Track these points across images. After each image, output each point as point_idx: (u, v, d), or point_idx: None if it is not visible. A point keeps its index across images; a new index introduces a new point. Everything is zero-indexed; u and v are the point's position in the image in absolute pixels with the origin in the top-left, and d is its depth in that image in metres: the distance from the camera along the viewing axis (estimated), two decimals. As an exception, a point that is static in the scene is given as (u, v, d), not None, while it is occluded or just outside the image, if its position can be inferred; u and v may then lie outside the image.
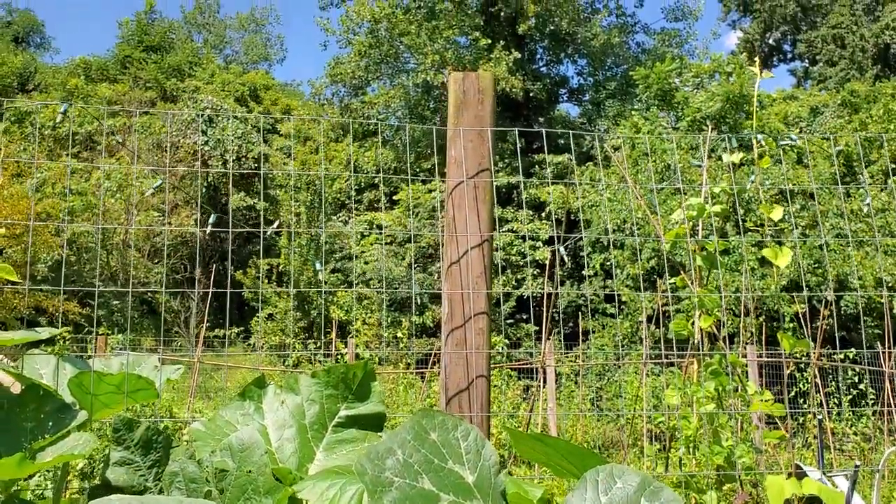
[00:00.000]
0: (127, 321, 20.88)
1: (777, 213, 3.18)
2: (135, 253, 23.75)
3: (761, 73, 3.67)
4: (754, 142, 3.81)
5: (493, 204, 2.46)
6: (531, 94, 22.94)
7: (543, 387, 9.34)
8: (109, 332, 16.37)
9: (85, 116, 25.20)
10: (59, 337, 10.87)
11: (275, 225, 15.10)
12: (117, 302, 21.85)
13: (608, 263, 17.16)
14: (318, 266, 20.87)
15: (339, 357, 12.64)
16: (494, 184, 2.49)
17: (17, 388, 2.09)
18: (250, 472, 1.71)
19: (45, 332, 1.98)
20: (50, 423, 1.95)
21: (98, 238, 21.93)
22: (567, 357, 13.16)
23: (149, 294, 22.88)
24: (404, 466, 1.28)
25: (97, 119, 24.08)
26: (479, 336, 2.32)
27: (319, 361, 14.40)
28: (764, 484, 2.64)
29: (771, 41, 36.66)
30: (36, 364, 2.35)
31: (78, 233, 21.45)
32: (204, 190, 26.90)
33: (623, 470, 1.44)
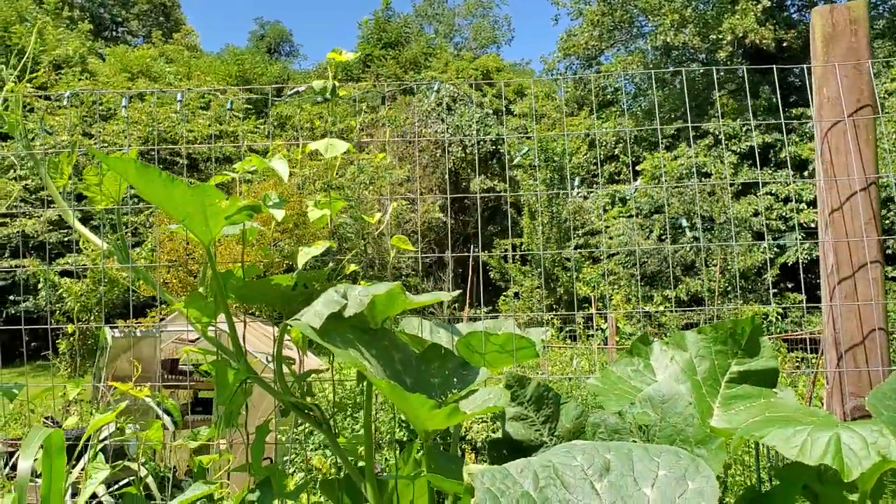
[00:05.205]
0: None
1: None
2: (388, 240, 25.19)
3: None
4: None
5: (877, 143, 2.26)
6: (784, 45, 21.18)
7: (820, 358, 8.67)
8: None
9: (337, 115, 27.07)
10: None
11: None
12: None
13: (887, 221, 15.54)
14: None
15: (600, 331, 12.57)
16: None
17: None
18: (675, 423, 1.70)
19: (446, 295, 2.11)
20: (455, 380, 2.07)
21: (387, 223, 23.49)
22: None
23: (402, 276, 24.17)
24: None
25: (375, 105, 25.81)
26: (873, 286, 2.14)
27: (572, 338, 14.41)
28: None
29: None
30: (413, 327, 2.54)
31: (337, 224, 23.14)
32: (446, 175, 27.96)
33: None
